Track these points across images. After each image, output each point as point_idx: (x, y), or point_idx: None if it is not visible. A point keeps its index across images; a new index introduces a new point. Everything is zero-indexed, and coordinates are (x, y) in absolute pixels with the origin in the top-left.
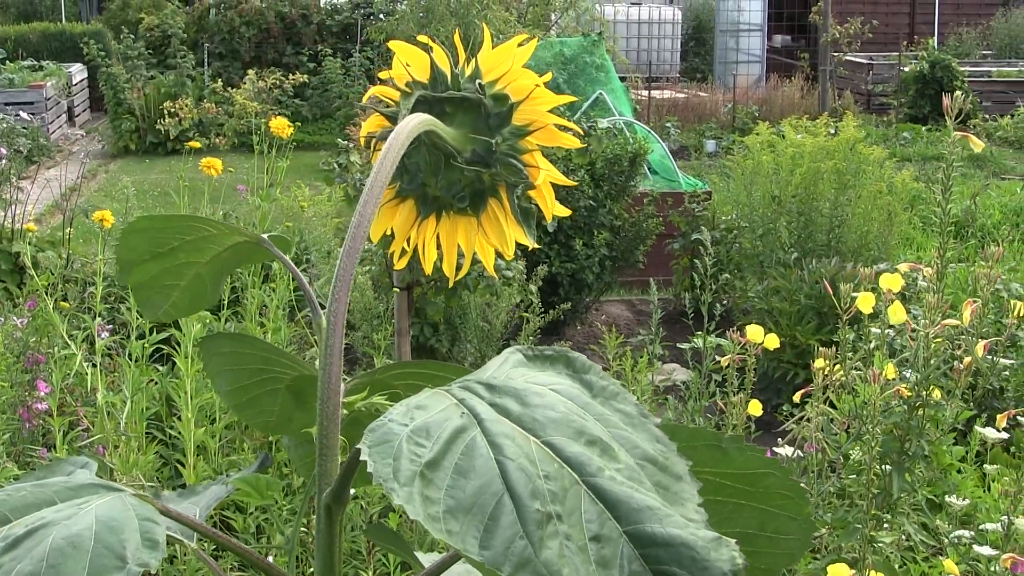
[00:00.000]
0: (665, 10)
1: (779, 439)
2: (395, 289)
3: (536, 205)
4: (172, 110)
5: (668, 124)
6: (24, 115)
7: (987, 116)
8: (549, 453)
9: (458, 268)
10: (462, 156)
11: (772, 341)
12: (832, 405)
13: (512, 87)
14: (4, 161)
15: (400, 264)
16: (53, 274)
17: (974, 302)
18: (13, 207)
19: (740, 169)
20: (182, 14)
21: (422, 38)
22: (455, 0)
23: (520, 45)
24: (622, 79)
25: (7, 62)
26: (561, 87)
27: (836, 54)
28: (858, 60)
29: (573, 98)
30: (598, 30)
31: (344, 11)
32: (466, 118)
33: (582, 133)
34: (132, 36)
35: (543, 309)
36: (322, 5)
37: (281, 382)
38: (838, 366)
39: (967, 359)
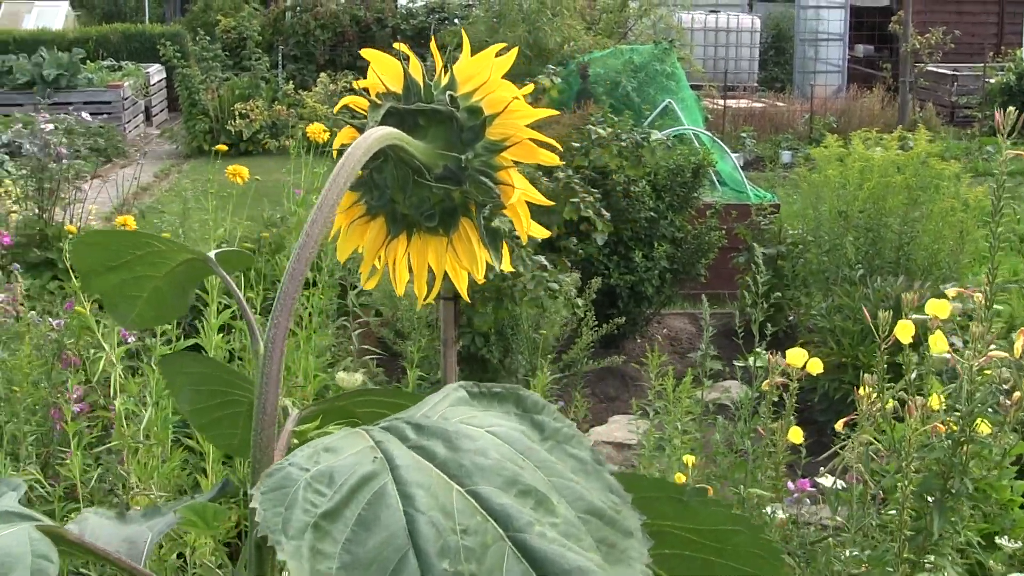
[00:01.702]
0: (744, 18)
1: (821, 467)
2: (441, 299)
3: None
4: (243, 111)
5: (743, 134)
6: (86, 115)
7: None
8: (472, 504)
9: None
10: (432, 172)
11: (815, 366)
12: (883, 431)
13: (488, 99)
14: (64, 162)
15: (369, 284)
16: None
17: None
18: (71, 206)
19: (807, 183)
20: (259, 16)
21: (400, 46)
22: (527, 5)
23: (499, 54)
24: (697, 88)
25: (87, 62)
26: (630, 95)
27: (918, 65)
28: (942, 71)
29: (554, 112)
30: (673, 38)
31: (419, 15)
32: (439, 132)
33: (560, 149)
34: (208, 38)
35: (600, 321)
36: (397, 8)
37: (242, 405)
38: (879, 394)
39: (1016, 394)
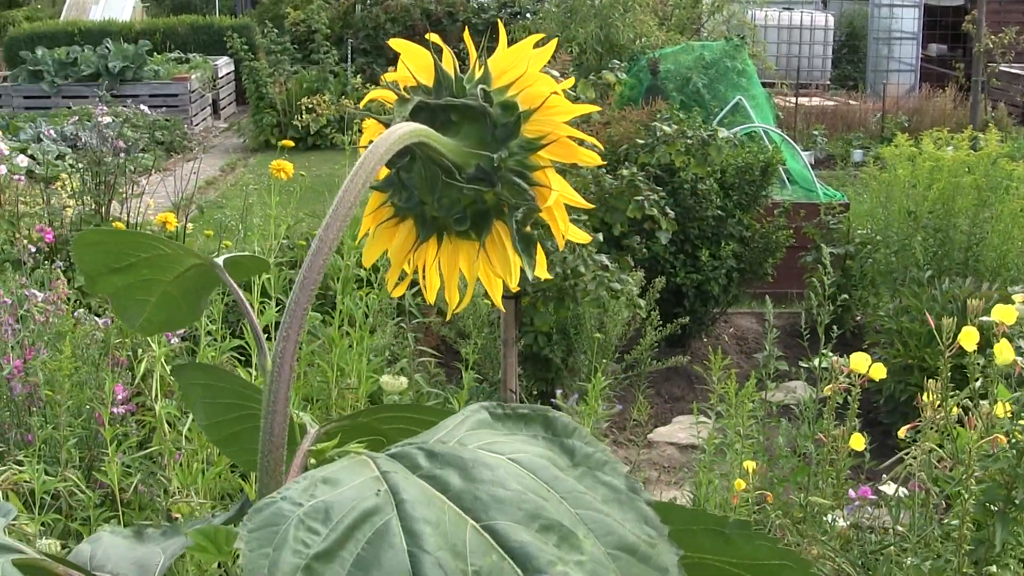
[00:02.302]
0: (817, 16)
1: (884, 475)
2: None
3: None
4: (310, 106)
5: (815, 132)
6: (144, 108)
7: None
8: (488, 541)
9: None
10: (463, 172)
11: (878, 371)
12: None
13: (524, 94)
14: (122, 155)
15: (398, 291)
16: None
17: None
18: (129, 201)
19: (876, 182)
20: (328, 9)
21: (433, 37)
22: (599, 1)
23: (537, 45)
24: (768, 85)
25: (154, 54)
26: (700, 91)
27: (990, 64)
28: (1014, 71)
29: (595, 108)
30: (744, 34)
31: (491, 9)
32: (471, 129)
33: (601, 147)
34: (277, 31)
35: (665, 321)
36: (469, 3)
37: (259, 419)
38: (943, 401)
39: None
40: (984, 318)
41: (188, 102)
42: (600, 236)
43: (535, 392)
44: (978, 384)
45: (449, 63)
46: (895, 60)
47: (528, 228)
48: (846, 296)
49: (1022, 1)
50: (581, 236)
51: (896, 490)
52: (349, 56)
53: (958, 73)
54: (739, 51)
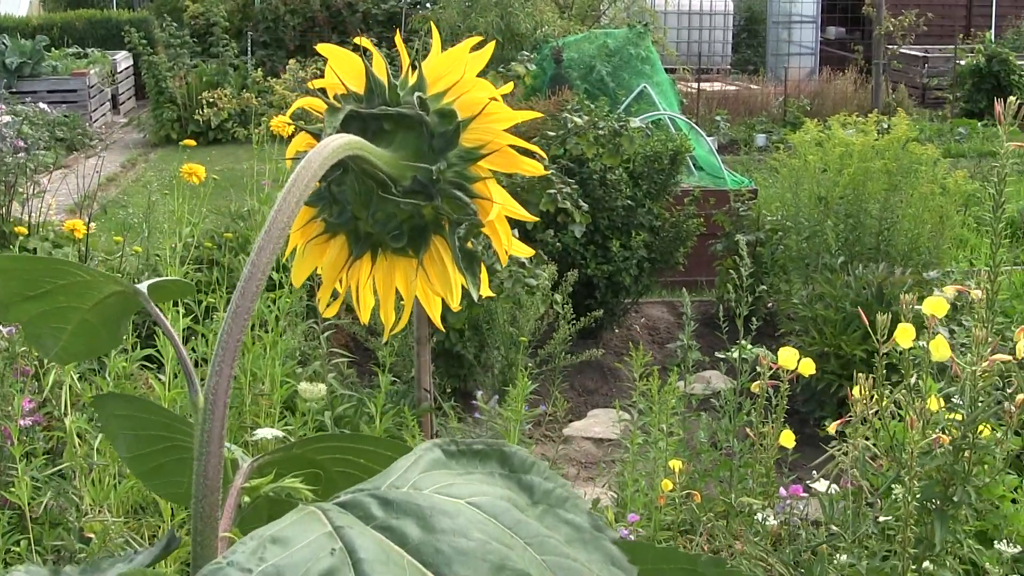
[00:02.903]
0: (717, 0)
1: (814, 472)
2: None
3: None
4: (211, 100)
5: (718, 117)
6: (44, 106)
7: None
8: None
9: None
10: (399, 185)
11: (807, 367)
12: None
13: (462, 101)
14: (21, 155)
15: (329, 312)
16: None
17: None
18: (30, 201)
19: (786, 168)
20: (227, 2)
21: (363, 41)
22: None
23: (474, 49)
24: (671, 71)
25: (52, 49)
26: (605, 80)
27: (890, 47)
28: (912, 53)
29: (536, 114)
30: (647, 21)
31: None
32: (406, 139)
33: (545, 157)
34: (176, 24)
35: (578, 313)
36: None
37: (187, 451)
38: (876, 399)
39: (1020, 396)
40: (918, 307)
41: (87, 98)
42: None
43: (449, 389)
44: (912, 382)
45: (381, 68)
46: (795, 44)
47: (470, 244)
48: (764, 287)
49: None
50: (524, 250)
51: (828, 487)
52: (249, 49)
53: (857, 56)
54: (643, 38)
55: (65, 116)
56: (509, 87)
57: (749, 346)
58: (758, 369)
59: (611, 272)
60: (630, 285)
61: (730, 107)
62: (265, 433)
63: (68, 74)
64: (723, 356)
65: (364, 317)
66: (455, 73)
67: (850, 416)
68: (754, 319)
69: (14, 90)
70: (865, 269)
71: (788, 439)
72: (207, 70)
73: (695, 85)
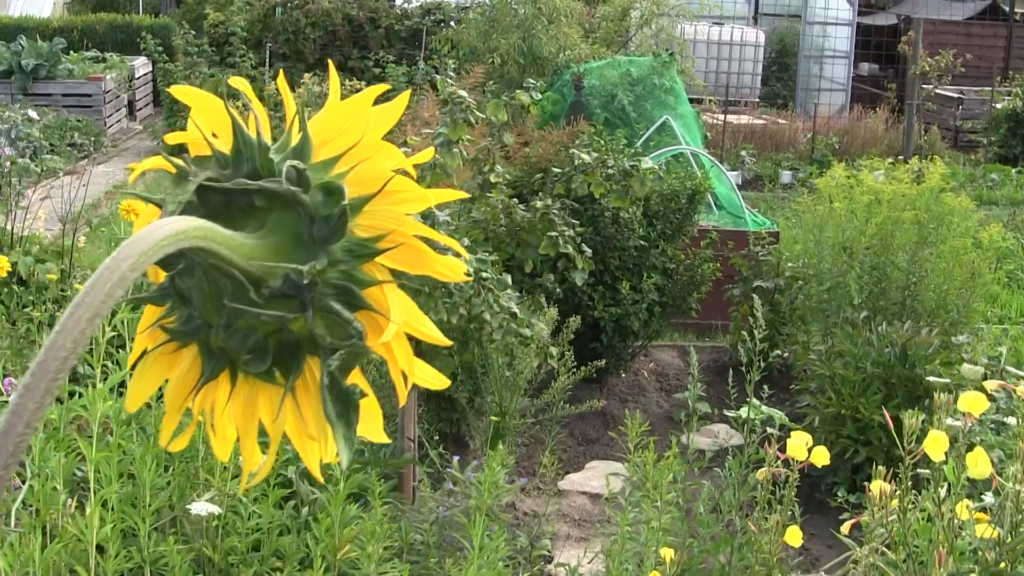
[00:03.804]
0: (748, 31)
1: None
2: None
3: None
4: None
5: (743, 152)
6: (32, 113)
7: None
8: None
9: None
10: (266, 287)
11: (820, 457)
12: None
13: (358, 173)
14: (6, 164)
15: (175, 446)
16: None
17: None
18: (14, 212)
19: (811, 214)
20: (248, 12)
21: (239, 82)
22: (522, 11)
23: (380, 100)
24: (697, 102)
25: (70, 52)
26: (626, 109)
27: (925, 87)
28: (947, 94)
29: (461, 194)
30: (675, 50)
31: (414, 16)
32: (284, 221)
33: (467, 256)
34: (195, 32)
35: (583, 356)
36: (392, 8)
37: None
38: (899, 509)
39: None
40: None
41: (103, 102)
42: (508, 278)
43: (438, 435)
44: (941, 495)
45: (255, 124)
46: (826, 79)
47: (348, 379)
48: (781, 337)
49: (957, 23)
50: (436, 382)
51: None
52: (267, 60)
53: (890, 94)
54: (667, 68)
55: (79, 121)
56: (427, 155)
57: (760, 405)
58: (769, 431)
59: (619, 315)
60: (639, 329)
61: (757, 141)
62: (200, 509)
63: (84, 78)
64: (732, 415)
65: (222, 453)
66: (351, 134)
67: (862, 513)
68: (768, 367)
69: (28, 92)
70: (889, 327)
71: (795, 537)
72: (223, 80)
73: (721, 117)
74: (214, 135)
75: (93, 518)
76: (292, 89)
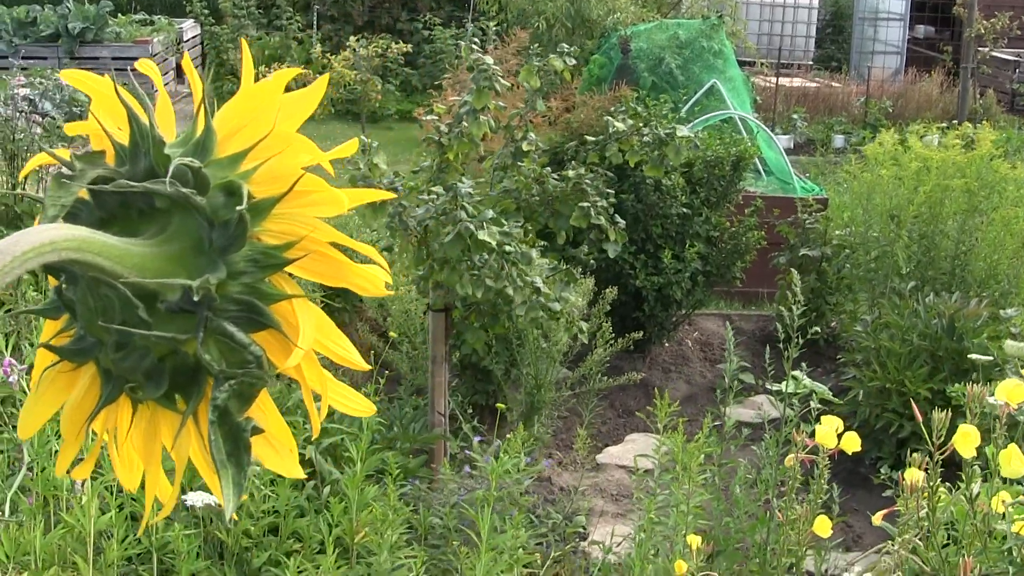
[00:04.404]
0: None
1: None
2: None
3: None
4: (266, 74)
5: (795, 115)
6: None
7: None
8: None
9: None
10: (162, 302)
11: (851, 443)
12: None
13: (268, 170)
14: (35, 127)
15: (79, 474)
16: None
17: None
18: (47, 179)
19: (858, 182)
20: None
21: (146, 64)
22: None
23: (292, 86)
24: (749, 64)
25: (117, 15)
26: (674, 73)
27: (980, 50)
28: (1004, 57)
29: (388, 194)
30: (726, 12)
31: None
32: (186, 227)
33: (387, 269)
34: None
35: (623, 325)
36: None
37: None
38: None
39: None
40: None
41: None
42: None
43: (472, 408)
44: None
45: (160, 111)
46: (881, 42)
47: (244, 414)
48: (828, 306)
49: None
50: (356, 406)
51: None
52: (315, 23)
53: (946, 57)
54: (716, 31)
55: (125, 84)
56: (352, 146)
57: (802, 378)
58: (811, 405)
59: (661, 284)
60: (681, 299)
61: (809, 105)
62: (196, 500)
63: (131, 41)
64: (773, 388)
65: (129, 483)
66: (260, 124)
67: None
68: (816, 338)
69: (75, 55)
70: (936, 298)
71: (824, 527)
72: (269, 43)
73: (773, 80)
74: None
75: (91, 505)
76: (337, 52)
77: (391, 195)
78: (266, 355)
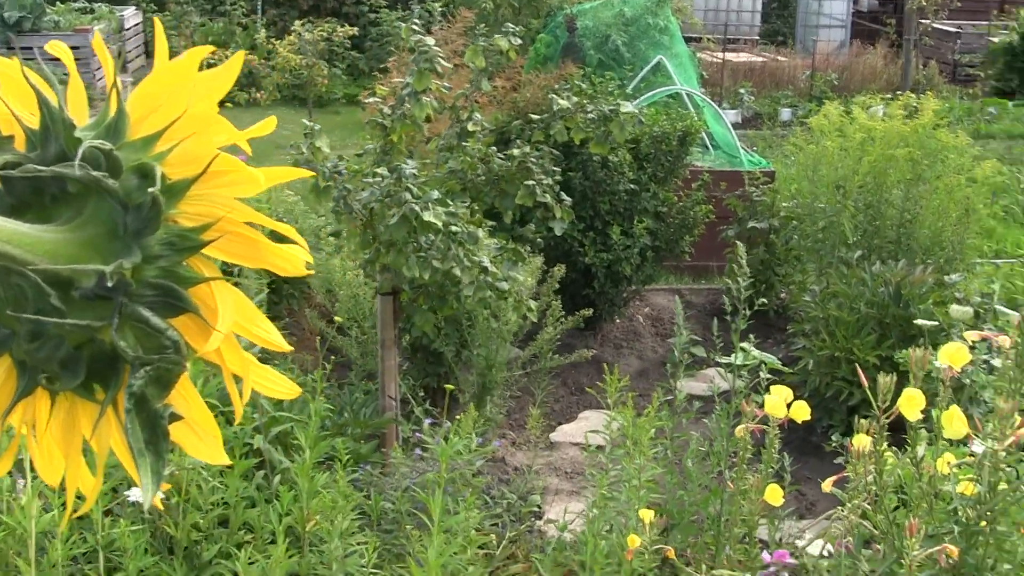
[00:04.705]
0: None
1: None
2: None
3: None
4: (212, 61)
5: (742, 90)
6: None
7: None
8: None
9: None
10: (77, 289)
11: (801, 412)
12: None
13: (183, 152)
14: None
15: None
16: None
17: None
18: None
19: (803, 154)
20: None
21: (56, 46)
22: None
23: (206, 64)
24: (694, 40)
25: (56, 3)
26: (620, 50)
27: (923, 22)
28: (945, 28)
29: (305, 173)
30: None
31: None
32: (99, 212)
33: (305, 247)
34: None
35: (573, 303)
36: None
37: None
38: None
39: None
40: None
41: (91, 55)
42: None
43: (424, 391)
44: (919, 455)
45: (80, 91)
46: (825, 15)
47: (163, 400)
48: (777, 277)
49: None
50: (281, 388)
51: (823, 548)
52: (259, 7)
53: (889, 29)
54: (662, 8)
55: (66, 75)
56: (268, 125)
57: (751, 350)
58: (761, 376)
59: (611, 261)
60: (631, 275)
61: (756, 79)
62: (137, 496)
63: (71, 30)
64: (724, 361)
65: (49, 476)
66: (174, 105)
67: (845, 472)
68: (765, 309)
69: (12, 45)
70: (883, 266)
71: (775, 495)
72: (214, 29)
73: (720, 55)
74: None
75: (32, 504)
76: (282, 37)
77: (310, 173)
78: (185, 340)
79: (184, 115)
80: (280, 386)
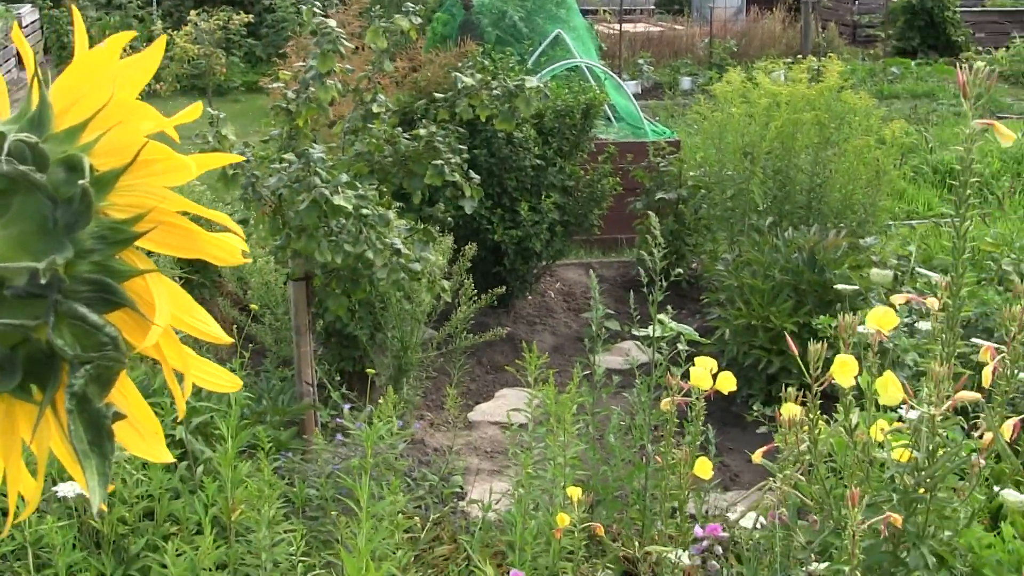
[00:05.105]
0: None
1: (738, 507)
2: (289, 280)
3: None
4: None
5: (641, 61)
6: None
7: (980, 48)
8: None
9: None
10: (8, 287)
11: (727, 383)
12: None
13: (109, 142)
14: None
15: None
16: None
17: (997, 351)
18: None
19: (708, 122)
20: None
21: None
22: None
23: (127, 49)
24: (591, 13)
25: None
26: (517, 25)
27: None
28: None
29: (235, 158)
30: None
31: None
32: (27, 207)
33: (242, 237)
34: None
35: (484, 281)
36: None
37: None
38: (809, 433)
39: (988, 436)
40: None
41: None
42: (392, 213)
43: (340, 375)
44: (853, 423)
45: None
46: None
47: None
48: (688, 247)
49: None
50: (222, 381)
51: (755, 522)
52: None
53: None
54: None
55: None
56: (194, 111)
57: (668, 322)
58: (679, 347)
59: (520, 237)
60: (541, 250)
61: (654, 49)
62: (68, 490)
63: None
64: (639, 334)
65: None
66: (97, 93)
67: (775, 441)
68: (678, 279)
69: None
70: (795, 232)
71: (704, 469)
72: (110, 23)
73: (617, 27)
74: None
75: None
76: (179, 28)
77: (240, 158)
78: (123, 335)
79: (108, 104)
80: (220, 379)
